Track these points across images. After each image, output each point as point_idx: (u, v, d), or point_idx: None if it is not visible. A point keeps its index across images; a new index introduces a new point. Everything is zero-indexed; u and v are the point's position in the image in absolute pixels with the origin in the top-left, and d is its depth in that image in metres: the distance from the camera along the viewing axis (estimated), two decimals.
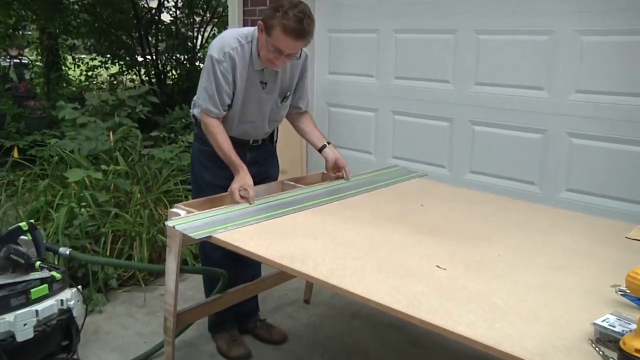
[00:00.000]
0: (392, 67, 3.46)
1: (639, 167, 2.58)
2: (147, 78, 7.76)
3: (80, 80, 8.57)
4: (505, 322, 1.25)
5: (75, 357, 2.21)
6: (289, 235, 1.74)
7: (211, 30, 7.97)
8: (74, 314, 2.17)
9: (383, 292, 1.38)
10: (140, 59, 7.89)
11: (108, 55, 8.06)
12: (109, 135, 4.05)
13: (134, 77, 8.19)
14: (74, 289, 2.18)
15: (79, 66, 8.85)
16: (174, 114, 5.69)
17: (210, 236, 1.73)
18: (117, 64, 8.08)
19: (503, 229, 1.89)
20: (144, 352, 2.42)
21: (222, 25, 7.36)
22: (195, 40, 7.93)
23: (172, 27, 7.93)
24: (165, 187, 3.71)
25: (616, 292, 1.39)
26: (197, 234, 1.72)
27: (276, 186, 2.31)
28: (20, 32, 8.47)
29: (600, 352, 1.14)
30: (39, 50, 8.82)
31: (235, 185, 2.03)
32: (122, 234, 3.20)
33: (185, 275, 3.11)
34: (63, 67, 8.70)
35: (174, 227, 1.77)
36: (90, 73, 8.51)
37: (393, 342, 2.59)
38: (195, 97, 2.29)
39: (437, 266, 1.54)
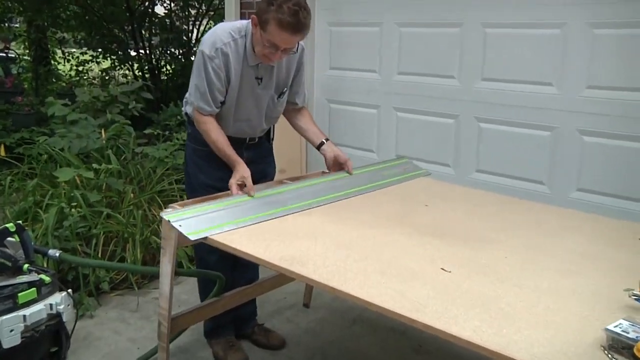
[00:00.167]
0: (396, 62, 3.46)
1: None
2: (140, 73, 7.76)
3: (70, 75, 8.57)
4: (513, 327, 1.25)
5: None
6: (288, 237, 1.74)
7: (207, 23, 7.96)
8: (64, 319, 2.17)
9: (386, 295, 1.38)
10: (133, 53, 7.89)
11: (99, 50, 8.05)
12: (100, 133, 4.05)
13: (127, 72, 8.18)
14: (64, 293, 2.18)
15: (69, 61, 8.84)
16: (168, 111, 5.70)
17: (206, 237, 1.73)
18: (109, 58, 8.08)
19: (510, 230, 1.89)
20: (136, 358, 2.42)
21: (219, 18, 7.36)
22: (190, 34, 7.93)
23: (167, 20, 7.93)
24: (159, 186, 3.72)
25: (629, 296, 1.38)
26: (193, 234, 1.72)
27: (275, 185, 2.31)
28: (7, 25, 8.46)
29: (613, 359, 1.14)
30: (26, 43, 8.81)
31: (233, 180, 2.04)
32: (114, 235, 3.20)
33: (180, 279, 3.11)
34: (52, 62, 8.69)
35: (168, 221, 1.76)
36: (80, 68, 8.50)
37: (396, 348, 2.59)
38: (187, 95, 2.29)
39: (442, 269, 1.54)
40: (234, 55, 2.08)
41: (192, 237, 1.72)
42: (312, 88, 3.80)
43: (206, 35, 2.13)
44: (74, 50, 9.37)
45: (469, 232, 1.85)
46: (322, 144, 2.34)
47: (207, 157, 2.26)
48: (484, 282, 1.47)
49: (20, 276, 2.10)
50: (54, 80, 7.96)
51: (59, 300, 2.14)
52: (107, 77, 8.11)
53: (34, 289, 2.08)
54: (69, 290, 2.23)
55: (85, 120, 4.15)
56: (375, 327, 2.74)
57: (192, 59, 7.63)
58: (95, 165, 3.52)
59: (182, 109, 2.40)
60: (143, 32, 7.78)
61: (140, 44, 7.69)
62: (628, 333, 1.17)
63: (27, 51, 8.67)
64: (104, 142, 3.97)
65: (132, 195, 3.51)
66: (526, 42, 2.91)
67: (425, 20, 3.30)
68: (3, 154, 4.19)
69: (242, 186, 2.03)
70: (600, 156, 2.74)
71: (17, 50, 8.57)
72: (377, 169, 2.48)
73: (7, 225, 2.18)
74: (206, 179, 2.28)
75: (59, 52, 9.08)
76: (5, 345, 1.97)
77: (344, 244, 1.70)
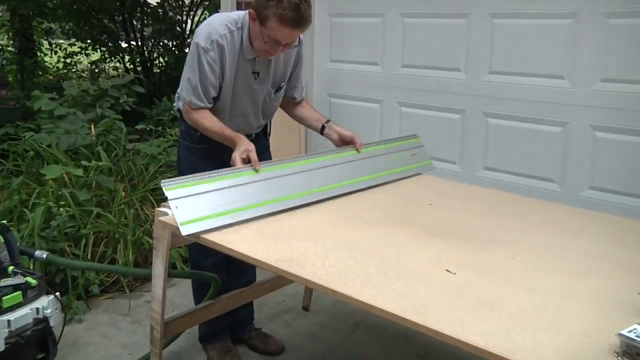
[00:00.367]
0: (399, 54, 3.46)
1: None
2: (131, 66, 7.76)
3: (57, 67, 8.57)
4: (522, 332, 1.25)
5: None
6: (286, 237, 1.73)
7: (202, 13, 7.97)
8: (51, 324, 2.17)
9: (388, 298, 1.38)
10: (124, 45, 7.89)
11: (88, 41, 8.04)
12: (90, 129, 4.05)
13: (118, 64, 8.19)
14: (51, 296, 2.18)
15: (56, 52, 8.84)
16: (161, 105, 5.70)
17: (199, 237, 1.71)
18: (98, 50, 8.07)
19: (519, 230, 1.89)
20: None
21: (214, 8, 7.36)
22: (184, 25, 7.93)
23: (159, 10, 7.92)
24: (152, 184, 3.72)
25: None
26: (186, 224, 1.68)
27: (281, 161, 2.28)
28: None
29: None
30: (10, 34, 8.78)
31: (237, 153, 1.99)
32: (104, 235, 3.21)
33: (173, 281, 3.11)
34: (38, 54, 8.67)
35: (165, 190, 1.71)
36: (68, 60, 8.50)
37: (400, 354, 2.59)
38: (178, 89, 2.29)
39: (447, 270, 1.54)
40: (229, 48, 2.08)
41: (185, 231, 1.68)
42: (312, 81, 3.80)
43: (201, 27, 2.12)
44: (61, 41, 9.36)
45: (475, 233, 1.86)
46: (323, 127, 2.33)
47: (202, 154, 2.25)
48: (491, 285, 1.47)
49: (5, 279, 2.09)
50: (40, 73, 7.95)
51: (46, 304, 2.14)
52: (96, 70, 8.12)
53: (19, 292, 2.07)
54: (57, 294, 2.23)
55: (74, 115, 4.15)
56: (378, 332, 2.74)
57: (187, 51, 7.63)
58: (84, 163, 3.52)
59: (174, 104, 2.39)
60: (134, 22, 7.78)
61: (132, 35, 7.69)
62: None
63: (12, 42, 8.66)
64: (93, 138, 3.97)
65: (123, 193, 3.51)
66: (536, 33, 2.91)
67: (430, 10, 3.30)
68: None
69: (246, 160, 1.98)
70: (613, 153, 2.74)
71: (0, 41, 8.56)
72: (386, 148, 2.46)
73: None
74: None
75: (45, 43, 9.07)
76: None
77: (345, 244, 1.70)
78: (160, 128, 4.90)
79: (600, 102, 2.75)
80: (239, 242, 1.68)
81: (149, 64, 7.72)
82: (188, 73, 2.11)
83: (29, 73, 7.59)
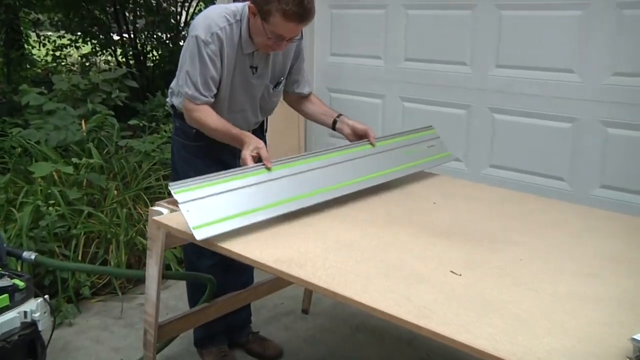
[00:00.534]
0: (402, 47, 3.46)
1: None
2: (124, 59, 7.75)
3: (46, 61, 8.56)
4: (529, 335, 1.25)
5: None
6: (285, 236, 1.74)
7: (197, 5, 7.96)
8: (40, 328, 2.16)
9: (391, 300, 1.38)
10: (116, 37, 7.88)
11: (78, 33, 8.04)
12: (80, 124, 4.05)
13: (109, 58, 8.18)
14: (40, 299, 2.17)
15: (44, 45, 8.83)
16: (155, 100, 5.70)
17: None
18: (89, 42, 8.07)
19: (527, 230, 1.89)
20: None
21: None
22: (178, 17, 7.92)
23: (153, 1, 7.92)
24: (145, 182, 3.72)
25: None
26: (199, 229, 1.63)
27: (292, 158, 2.26)
28: None
29: None
30: None
31: (246, 151, 1.95)
32: (96, 235, 3.21)
33: (168, 282, 3.12)
34: (26, 46, 8.66)
35: (174, 193, 1.66)
36: (58, 53, 8.49)
37: (402, 358, 2.60)
38: (172, 84, 2.28)
39: (452, 272, 1.55)
40: (228, 42, 2.08)
41: (199, 235, 1.63)
42: (312, 76, 3.79)
43: (199, 19, 2.11)
44: (50, 33, 9.35)
45: (481, 232, 1.86)
46: (335, 122, 2.32)
47: (198, 152, 2.25)
48: (498, 286, 1.48)
49: None
50: (28, 66, 7.94)
51: (34, 307, 2.14)
52: (87, 64, 8.11)
53: (6, 295, 2.07)
54: (46, 296, 2.22)
55: (64, 111, 4.15)
56: (380, 335, 2.75)
57: (181, 44, 7.64)
58: (74, 160, 3.52)
59: (167, 99, 2.39)
60: (127, 14, 7.77)
61: (124, 27, 7.68)
62: None
63: None
64: (84, 134, 3.97)
65: (115, 192, 3.51)
66: (545, 25, 2.91)
67: (434, 1, 3.30)
68: None
69: (256, 158, 1.95)
70: (625, 150, 2.74)
71: None
72: (402, 141, 2.41)
73: None
74: (197, 176, 2.28)
75: (33, 35, 9.06)
76: None
77: (346, 244, 1.70)
78: (154, 124, 4.90)
79: (611, 97, 2.75)
80: (235, 242, 1.67)
81: (142, 57, 7.72)
82: (188, 67, 2.08)
83: (15, 66, 7.58)
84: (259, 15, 1.97)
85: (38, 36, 8.97)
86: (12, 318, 2.07)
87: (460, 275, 1.53)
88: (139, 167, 3.87)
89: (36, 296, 2.19)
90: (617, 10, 2.69)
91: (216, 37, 2.04)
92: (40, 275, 2.89)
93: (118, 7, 7.60)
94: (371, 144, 2.26)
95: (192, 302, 2.45)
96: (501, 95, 3.10)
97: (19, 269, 2.66)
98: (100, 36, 7.82)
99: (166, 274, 2.34)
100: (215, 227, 1.67)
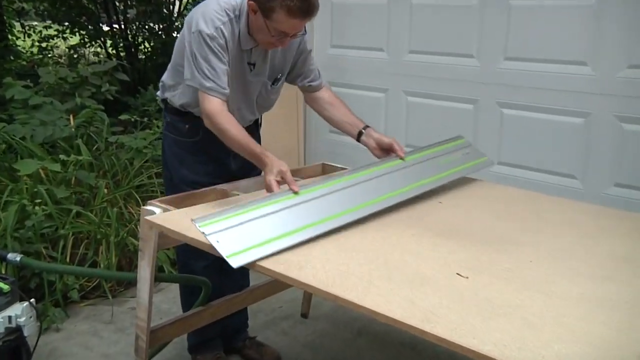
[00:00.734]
0: (406, 39, 3.46)
1: None
2: (114, 51, 7.74)
3: (31, 52, 8.53)
4: (539, 341, 1.25)
5: None
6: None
7: None
8: (25, 333, 2.16)
9: (394, 304, 1.38)
10: (105, 28, 7.87)
11: (66, 23, 8.01)
12: (68, 119, 4.05)
13: (99, 49, 8.16)
14: (25, 303, 2.18)
15: (29, 35, 8.79)
16: (147, 95, 5.69)
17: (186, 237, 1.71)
18: (77, 33, 8.05)
19: (537, 231, 1.90)
20: None
21: None
22: (171, 7, 7.91)
23: None
24: (137, 180, 3.72)
25: None
26: (235, 256, 1.57)
27: (319, 180, 2.21)
28: None
29: None
30: None
31: (270, 177, 1.91)
32: (85, 236, 3.21)
33: (160, 285, 3.12)
34: (9, 37, 8.63)
35: (203, 233, 1.61)
36: (44, 44, 8.46)
37: None
38: (164, 77, 2.28)
39: (458, 274, 1.55)
40: (230, 37, 2.07)
41: (235, 263, 1.56)
42: None
43: (197, 13, 2.08)
44: (35, 23, 9.32)
45: (488, 233, 1.86)
46: (360, 133, 2.27)
47: (190, 148, 2.25)
48: (506, 289, 1.48)
49: None
50: (12, 58, 7.89)
51: (19, 311, 2.14)
52: (75, 56, 8.09)
53: None
54: (32, 300, 2.23)
55: (51, 105, 4.15)
56: (382, 340, 2.75)
57: (175, 35, 7.65)
58: (62, 157, 3.52)
59: (157, 95, 2.38)
60: (117, 3, 7.75)
61: (114, 17, 7.67)
62: None
63: None
64: (72, 130, 3.97)
65: (105, 190, 3.51)
66: (556, 15, 2.91)
67: None
68: None
69: (281, 183, 1.91)
70: None
71: None
72: (433, 153, 2.38)
73: None
74: (190, 173, 2.28)
75: (17, 25, 9.03)
76: None
77: (347, 245, 1.70)
78: (145, 119, 4.89)
79: (627, 91, 2.75)
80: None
81: (133, 49, 7.70)
82: (202, 65, 2.03)
83: None
84: (261, 13, 1.97)
85: (23, 26, 8.93)
86: None
87: (467, 277, 1.53)
88: (130, 165, 3.87)
89: (21, 300, 2.19)
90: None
91: (221, 32, 2.04)
92: (26, 278, 2.89)
93: None
94: (400, 157, 2.20)
95: (186, 305, 2.46)
96: (510, 89, 3.10)
97: (3, 272, 2.66)
98: (89, 27, 7.80)
99: (159, 276, 2.35)
100: (249, 253, 1.60)
